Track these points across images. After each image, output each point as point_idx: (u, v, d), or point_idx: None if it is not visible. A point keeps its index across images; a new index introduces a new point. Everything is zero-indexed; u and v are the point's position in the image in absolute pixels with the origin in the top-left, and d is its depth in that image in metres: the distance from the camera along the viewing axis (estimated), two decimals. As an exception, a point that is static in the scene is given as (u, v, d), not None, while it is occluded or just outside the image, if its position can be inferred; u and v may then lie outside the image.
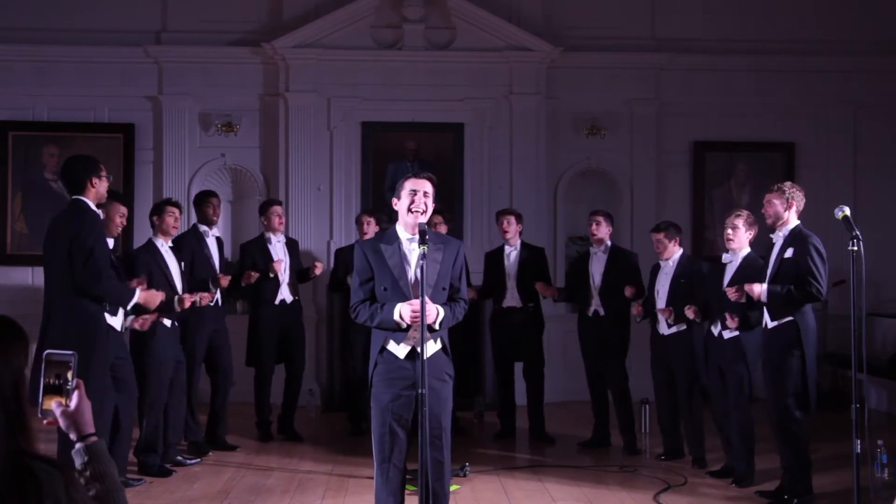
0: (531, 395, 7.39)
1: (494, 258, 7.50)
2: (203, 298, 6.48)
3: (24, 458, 1.88)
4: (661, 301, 6.53)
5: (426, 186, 4.14)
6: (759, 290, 5.39)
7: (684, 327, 6.38)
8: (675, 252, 6.55)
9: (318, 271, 7.34)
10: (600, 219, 7.10)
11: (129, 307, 5.37)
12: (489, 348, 8.81)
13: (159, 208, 6.47)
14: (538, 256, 7.47)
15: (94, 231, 5.13)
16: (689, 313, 6.16)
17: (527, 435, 7.43)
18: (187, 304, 6.23)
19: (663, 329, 6.51)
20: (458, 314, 4.20)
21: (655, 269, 6.69)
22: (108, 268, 5.20)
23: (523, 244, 7.45)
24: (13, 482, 1.85)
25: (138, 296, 5.32)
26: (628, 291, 6.86)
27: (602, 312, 7.02)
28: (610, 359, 7.01)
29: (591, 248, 7.19)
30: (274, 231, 7.31)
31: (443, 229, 7.30)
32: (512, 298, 7.36)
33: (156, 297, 5.49)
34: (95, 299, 5.15)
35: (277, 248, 7.31)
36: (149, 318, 6.00)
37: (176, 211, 6.43)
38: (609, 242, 7.11)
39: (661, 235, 6.55)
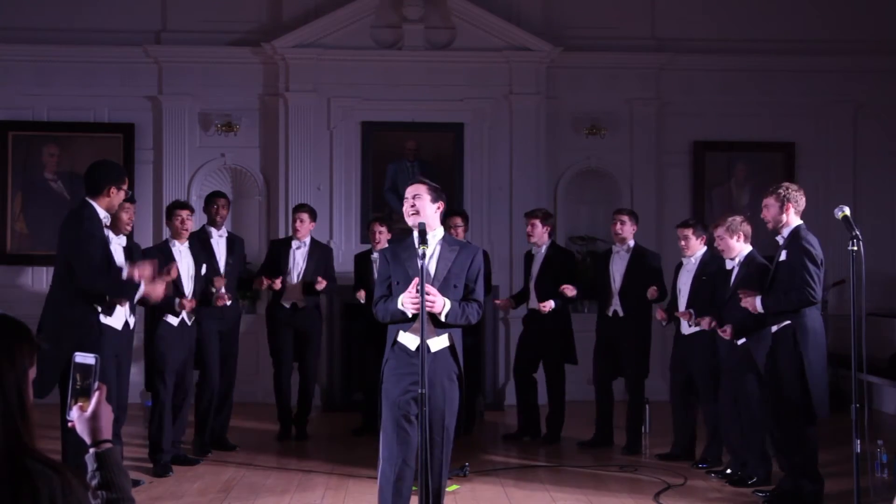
0: (550, 397, 7.29)
1: (528, 259, 7.46)
2: (220, 298, 6.58)
3: (24, 459, 1.88)
4: (682, 299, 6.46)
5: (415, 190, 4.33)
6: (756, 304, 5.35)
7: (706, 327, 6.26)
8: (698, 249, 6.47)
9: (320, 287, 7.27)
10: (625, 218, 7.00)
11: (135, 301, 5.36)
12: (490, 348, 8.84)
13: (168, 211, 6.56)
14: (564, 259, 7.32)
15: (94, 233, 5.14)
16: (704, 324, 6.08)
17: (538, 435, 7.40)
18: (187, 309, 6.24)
19: (685, 329, 6.44)
20: (470, 314, 4.25)
21: (678, 267, 6.62)
22: (109, 266, 5.21)
23: (551, 246, 7.33)
24: (9, 483, 1.85)
25: (142, 289, 5.31)
26: (650, 293, 6.76)
27: (621, 313, 6.93)
28: (629, 357, 6.91)
29: (613, 246, 7.10)
30: (298, 236, 7.33)
31: (459, 232, 7.29)
32: (533, 300, 7.29)
33: (158, 289, 5.42)
34: (99, 298, 5.16)
35: (297, 254, 7.33)
36: (185, 304, 6.19)
37: (182, 213, 6.44)
38: (632, 242, 7.01)
39: (689, 231, 6.47)
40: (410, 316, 4.11)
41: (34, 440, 1.94)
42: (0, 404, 1.90)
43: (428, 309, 4.03)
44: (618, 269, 6.98)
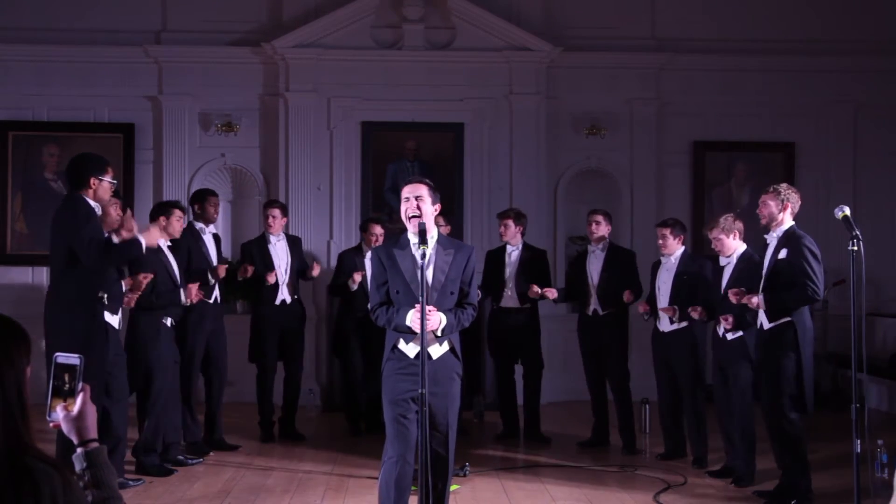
0: (527, 396, 7.39)
1: (495, 257, 7.49)
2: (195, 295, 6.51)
3: (25, 458, 1.90)
4: (663, 298, 6.52)
5: (418, 190, 4.27)
6: (757, 300, 5.38)
7: (685, 324, 6.37)
8: (677, 249, 6.55)
9: (315, 273, 7.32)
10: (599, 218, 7.09)
11: (143, 251, 5.37)
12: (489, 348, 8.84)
13: (166, 210, 6.42)
14: (539, 258, 7.44)
15: (90, 221, 5.13)
16: (695, 315, 6.16)
17: (518, 435, 7.43)
18: (195, 298, 6.24)
19: (664, 326, 6.51)
20: (464, 320, 4.28)
21: (656, 265, 6.69)
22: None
23: (525, 245, 7.42)
24: (11, 481, 1.87)
25: (143, 241, 5.31)
26: (627, 297, 6.86)
27: (601, 312, 7.00)
28: (610, 358, 7.01)
29: (589, 246, 7.18)
30: (271, 232, 7.33)
31: (444, 231, 7.29)
32: (509, 299, 7.34)
33: (153, 234, 5.44)
34: (104, 285, 5.16)
35: (277, 248, 7.32)
36: (192, 290, 6.26)
37: (178, 212, 6.40)
38: (607, 241, 7.11)
39: (667, 230, 6.54)
40: (417, 331, 4.09)
41: (33, 439, 1.95)
42: (1, 403, 1.91)
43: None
44: (595, 268, 7.05)
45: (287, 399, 7.37)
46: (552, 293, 7.15)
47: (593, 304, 7.04)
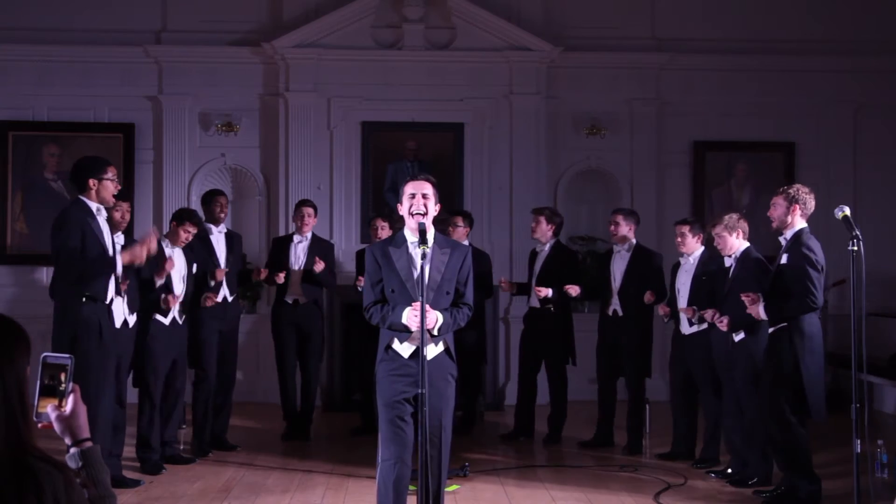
0: (551, 397, 7.32)
1: (532, 256, 7.45)
2: (208, 299, 6.50)
3: (27, 457, 1.91)
4: (682, 299, 6.46)
5: (424, 188, 4.23)
6: (760, 313, 5.34)
7: (705, 326, 6.26)
8: (695, 248, 6.48)
9: (318, 268, 7.29)
10: (619, 219, 6.98)
11: (118, 272, 5.30)
12: (490, 348, 8.84)
13: (181, 219, 6.37)
14: (566, 259, 7.32)
15: (66, 227, 5.13)
16: (708, 316, 6.09)
17: (532, 435, 7.41)
18: (171, 305, 6.14)
19: (685, 328, 6.45)
20: (460, 320, 4.25)
21: (676, 266, 6.63)
22: (87, 255, 5.17)
23: (556, 244, 7.32)
24: (14, 481, 1.88)
25: (120, 261, 5.27)
26: (647, 297, 6.76)
27: (621, 313, 6.92)
28: (628, 357, 6.92)
29: (614, 246, 7.09)
30: (302, 232, 7.35)
31: (462, 232, 7.28)
32: (533, 299, 7.28)
33: (139, 252, 5.31)
34: (83, 284, 5.14)
35: (297, 248, 7.32)
36: (170, 300, 6.08)
37: (192, 228, 6.37)
38: (633, 241, 6.99)
39: (686, 228, 6.48)
40: (413, 329, 4.07)
41: (35, 438, 1.96)
42: (2, 403, 1.91)
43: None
44: (618, 268, 6.97)
45: (301, 399, 7.36)
46: (574, 290, 7.01)
47: (614, 305, 6.96)
